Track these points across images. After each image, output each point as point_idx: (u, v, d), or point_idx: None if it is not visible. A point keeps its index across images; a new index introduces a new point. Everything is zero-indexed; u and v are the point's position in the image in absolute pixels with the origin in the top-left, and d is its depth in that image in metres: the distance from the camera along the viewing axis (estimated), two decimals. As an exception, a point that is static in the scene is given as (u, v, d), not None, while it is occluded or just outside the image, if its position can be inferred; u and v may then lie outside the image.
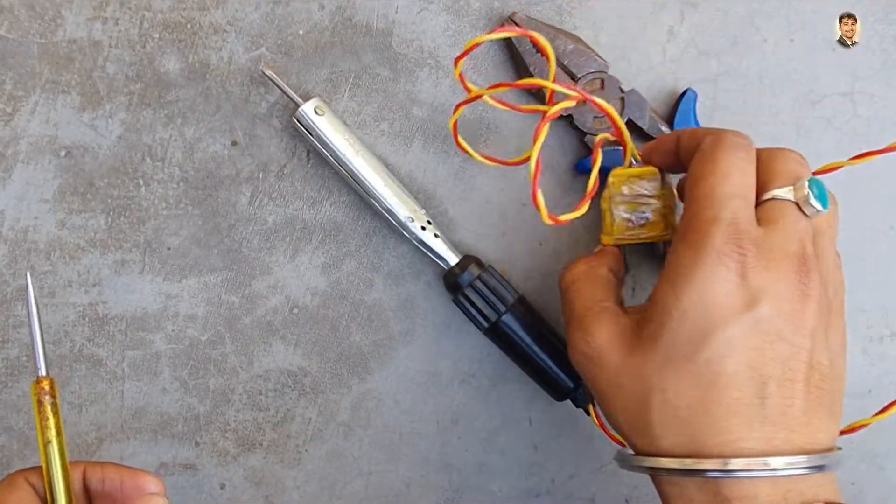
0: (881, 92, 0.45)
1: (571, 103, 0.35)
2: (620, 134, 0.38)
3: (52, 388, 0.30)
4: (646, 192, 0.37)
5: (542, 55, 0.36)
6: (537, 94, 0.42)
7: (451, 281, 0.41)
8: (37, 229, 0.40)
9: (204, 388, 0.41)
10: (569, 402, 0.42)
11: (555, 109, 0.35)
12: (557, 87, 0.35)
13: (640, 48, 0.43)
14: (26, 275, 0.31)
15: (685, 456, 0.31)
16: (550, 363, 0.41)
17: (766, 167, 0.34)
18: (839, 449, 0.33)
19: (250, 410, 0.42)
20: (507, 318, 0.40)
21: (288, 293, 0.42)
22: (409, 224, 0.40)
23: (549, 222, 0.34)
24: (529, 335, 0.40)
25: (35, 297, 0.30)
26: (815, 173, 0.35)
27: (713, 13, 0.44)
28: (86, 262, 0.40)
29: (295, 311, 0.42)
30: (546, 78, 0.36)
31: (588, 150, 0.42)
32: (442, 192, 0.42)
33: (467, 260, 0.41)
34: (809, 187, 0.32)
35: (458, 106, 0.38)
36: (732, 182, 0.32)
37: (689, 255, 0.32)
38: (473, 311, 0.40)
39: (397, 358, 0.43)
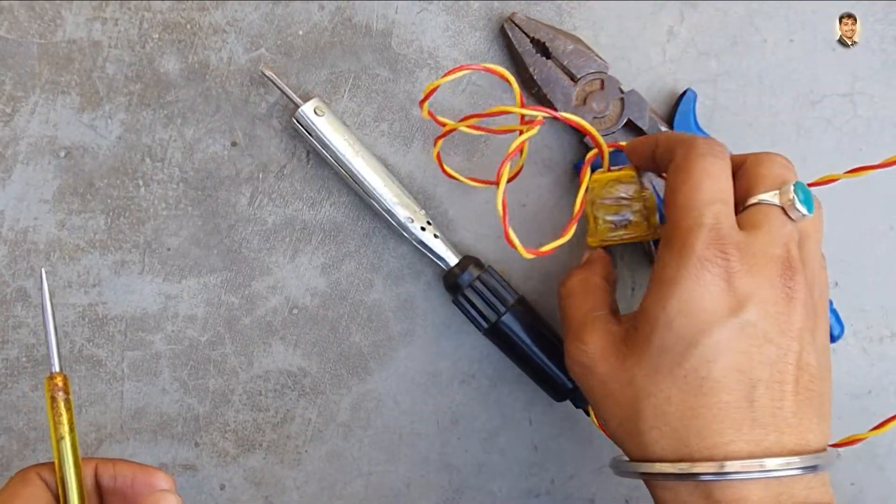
0: (881, 92, 0.45)
1: (535, 130, 0.36)
2: (597, 142, 0.39)
3: (65, 384, 0.30)
4: (624, 196, 0.38)
5: (519, 79, 0.36)
6: (537, 95, 0.42)
7: (451, 281, 0.40)
8: (36, 230, 0.40)
9: (204, 389, 0.41)
10: (569, 402, 0.42)
11: (519, 141, 0.35)
12: (526, 111, 0.36)
13: (639, 48, 0.43)
14: (41, 272, 0.31)
15: (678, 460, 0.31)
16: (550, 364, 0.41)
17: (751, 171, 0.34)
18: (833, 447, 0.33)
19: (250, 411, 0.42)
20: (507, 319, 0.40)
21: (287, 294, 0.42)
22: (409, 224, 0.40)
23: (529, 256, 0.35)
24: (529, 336, 0.40)
25: (50, 294, 0.30)
26: (810, 185, 0.35)
27: (713, 13, 0.44)
28: (85, 263, 0.40)
29: (295, 311, 0.42)
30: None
31: (588, 150, 0.42)
32: (442, 193, 0.42)
33: (467, 260, 0.41)
34: (795, 191, 0.32)
35: (436, 140, 0.39)
36: (708, 188, 0.32)
37: (672, 263, 0.32)
38: (473, 312, 0.40)
39: (397, 358, 0.43)
